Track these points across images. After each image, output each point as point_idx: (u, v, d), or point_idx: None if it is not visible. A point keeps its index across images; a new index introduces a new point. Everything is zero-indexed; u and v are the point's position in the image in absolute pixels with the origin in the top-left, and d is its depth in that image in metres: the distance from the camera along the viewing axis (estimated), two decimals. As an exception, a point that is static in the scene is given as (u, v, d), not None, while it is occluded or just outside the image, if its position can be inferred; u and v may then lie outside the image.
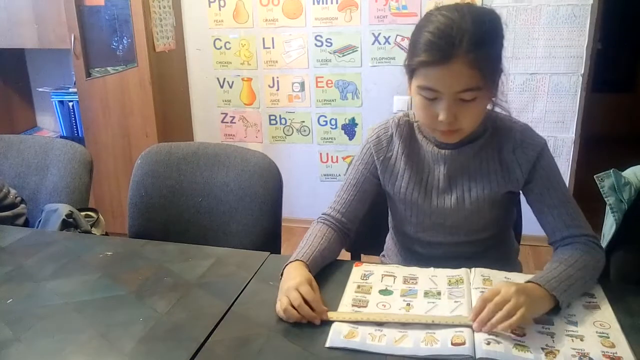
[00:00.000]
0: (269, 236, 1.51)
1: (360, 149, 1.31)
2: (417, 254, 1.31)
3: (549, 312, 1.00)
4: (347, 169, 1.36)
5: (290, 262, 1.14)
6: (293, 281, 1.06)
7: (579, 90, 2.68)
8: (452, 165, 1.20)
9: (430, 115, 1.10)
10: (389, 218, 1.40)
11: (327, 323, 1.00)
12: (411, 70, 1.10)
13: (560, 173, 1.20)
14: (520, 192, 1.24)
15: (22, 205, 1.66)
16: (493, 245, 1.30)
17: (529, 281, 1.04)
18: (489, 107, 1.17)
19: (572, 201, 1.19)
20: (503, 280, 1.10)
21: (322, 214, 1.29)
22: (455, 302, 1.04)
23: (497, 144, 1.20)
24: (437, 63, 1.04)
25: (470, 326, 0.96)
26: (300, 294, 1.03)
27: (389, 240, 1.45)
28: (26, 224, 1.64)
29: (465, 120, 1.10)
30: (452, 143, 1.18)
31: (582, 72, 2.65)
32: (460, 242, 1.27)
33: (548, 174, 1.18)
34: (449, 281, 1.12)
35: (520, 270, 1.35)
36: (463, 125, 1.11)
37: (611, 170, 1.28)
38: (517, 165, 1.18)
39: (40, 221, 1.59)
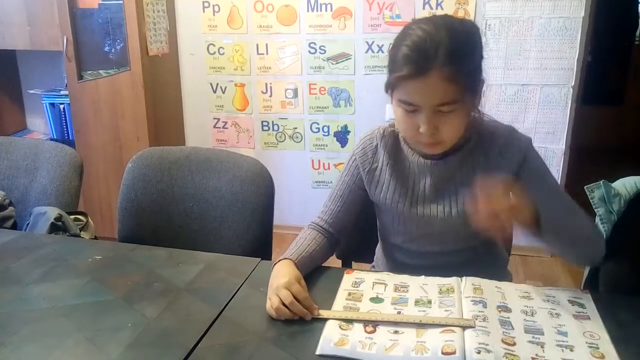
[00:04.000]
0: (259, 242, 1.50)
1: (347, 160, 1.32)
2: (406, 265, 1.31)
3: (530, 231, 1.04)
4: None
5: (280, 260, 1.14)
6: (283, 279, 1.06)
7: (570, 102, 2.70)
8: (438, 176, 1.20)
9: (411, 128, 1.11)
10: (378, 229, 1.40)
11: (317, 330, 1.00)
12: (391, 86, 1.11)
13: (549, 169, 1.20)
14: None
15: (11, 208, 1.64)
16: (482, 252, 1.30)
17: None
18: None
19: (563, 194, 1.18)
20: (494, 287, 1.11)
21: (312, 222, 1.31)
22: (446, 310, 1.04)
23: (482, 150, 1.19)
24: (414, 77, 1.04)
25: (458, 325, 0.97)
26: (291, 292, 1.03)
27: (379, 251, 1.44)
28: (14, 226, 1.62)
29: (446, 131, 1.10)
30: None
31: (573, 84, 2.67)
32: (449, 251, 1.27)
33: (537, 174, 1.18)
34: (440, 290, 1.12)
35: (510, 280, 1.35)
36: (444, 137, 1.11)
37: (601, 182, 1.29)
38: (504, 168, 1.17)
39: (28, 224, 1.58)
